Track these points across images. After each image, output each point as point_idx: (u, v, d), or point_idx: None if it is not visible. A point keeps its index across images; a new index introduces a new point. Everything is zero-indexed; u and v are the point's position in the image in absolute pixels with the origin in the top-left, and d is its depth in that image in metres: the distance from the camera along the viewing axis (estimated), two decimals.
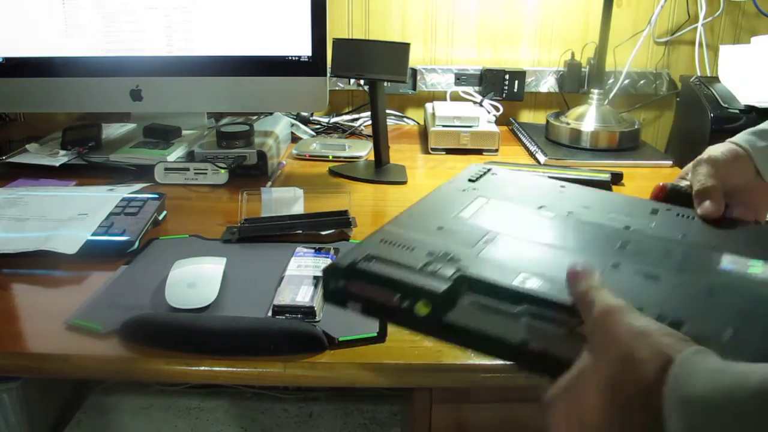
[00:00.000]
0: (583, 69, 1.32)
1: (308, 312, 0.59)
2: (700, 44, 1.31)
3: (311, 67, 1.04)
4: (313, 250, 0.71)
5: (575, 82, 1.33)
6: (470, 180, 0.58)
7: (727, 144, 0.58)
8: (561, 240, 0.47)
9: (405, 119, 1.39)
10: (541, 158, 1.10)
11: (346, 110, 1.40)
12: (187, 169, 0.97)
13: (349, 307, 0.42)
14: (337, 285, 0.42)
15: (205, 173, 0.97)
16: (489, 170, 0.60)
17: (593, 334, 0.35)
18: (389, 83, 1.24)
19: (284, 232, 0.77)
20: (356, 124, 1.32)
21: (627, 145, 1.16)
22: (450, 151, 1.16)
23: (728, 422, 0.26)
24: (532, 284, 0.40)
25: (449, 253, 0.43)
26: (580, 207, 0.53)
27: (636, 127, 1.18)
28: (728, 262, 0.44)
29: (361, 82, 1.24)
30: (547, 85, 1.37)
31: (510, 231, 0.48)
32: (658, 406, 0.30)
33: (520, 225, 0.49)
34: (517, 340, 0.38)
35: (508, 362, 0.39)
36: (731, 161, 0.56)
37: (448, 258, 0.43)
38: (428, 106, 1.29)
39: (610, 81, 1.32)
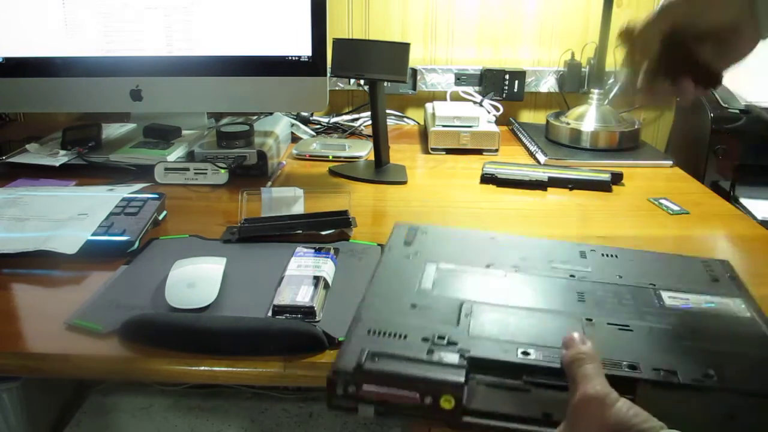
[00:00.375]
0: (583, 69, 1.32)
1: (308, 312, 0.59)
2: None
3: (311, 67, 1.04)
4: (313, 250, 0.71)
5: (575, 82, 1.33)
6: (406, 243, 0.60)
7: None
8: (527, 300, 0.50)
9: (405, 119, 1.39)
10: (541, 158, 1.10)
11: (346, 110, 1.40)
12: (187, 169, 0.97)
13: (360, 411, 0.40)
14: (347, 391, 0.40)
15: (205, 173, 0.97)
16: (417, 229, 0.63)
17: (578, 416, 0.37)
18: (389, 83, 1.24)
19: (284, 232, 0.77)
20: (356, 124, 1.32)
21: (627, 145, 1.16)
22: (450, 151, 1.16)
23: None
24: (532, 355, 0.42)
25: (443, 335, 0.44)
26: (519, 260, 0.57)
27: (636, 127, 1.18)
28: (670, 299, 0.51)
29: (361, 82, 1.24)
30: (547, 85, 1.37)
31: (477, 298, 0.50)
32: None
33: (483, 290, 0.52)
34: (540, 415, 0.39)
35: None
36: None
37: (444, 341, 0.43)
38: (428, 106, 1.29)
39: (610, 81, 1.32)
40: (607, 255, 0.59)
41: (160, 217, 0.82)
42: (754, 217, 0.98)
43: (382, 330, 0.44)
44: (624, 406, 0.36)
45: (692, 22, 0.47)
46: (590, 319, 0.47)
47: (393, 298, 0.49)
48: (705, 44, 0.48)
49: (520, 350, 0.42)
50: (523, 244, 0.61)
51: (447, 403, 0.38)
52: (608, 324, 0.46)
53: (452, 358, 0.41)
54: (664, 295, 0.51)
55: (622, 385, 0.39)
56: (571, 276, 0.54)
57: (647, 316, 0.48)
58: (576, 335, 0.41)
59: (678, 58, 0.49)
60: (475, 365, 0.40)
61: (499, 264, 0.56)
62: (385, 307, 0.48)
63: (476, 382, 0.40)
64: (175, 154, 1.03)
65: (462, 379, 0.39)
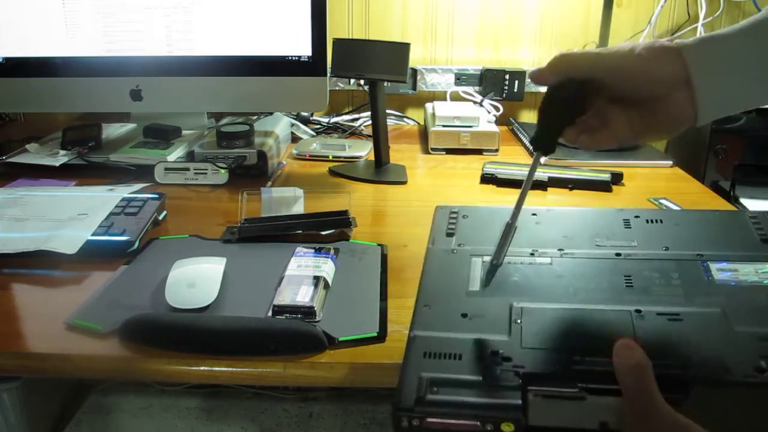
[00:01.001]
0: None
1: (308, 312, 0.59)
2: None
3: (311, 67, 1.04)
4: (313, 250, 0.71)
5: None
6: (448, 234, 0.58)
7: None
8: (575, 292, 0.49)
9: (405, 119, 1.39)
10: (541, 158, 1.10)
11: (346, 110, 1.40)
12: (187, 169, 0.97)
13: None
14: (411, 425, 0.40)
15: (205, 173, 0.97)
16: (458, 213, 0.61)
17: (635, 428, 0.37)
18: (389, 83, 1.24)
19: (284, 232, 0.77)
20: (356, 124, 1.32)
21: (627, 145, 1.16)
22: (450, 151, 1.16)
23: None
24: (585, 364, 0.41)
25: (495, 350, 0.43)
26: (563, 239, 0.55)
27: None
28: (719, 272, 0.49)
29: (361, 82, 1.24)
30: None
31: (526, 298, 0.49)
32: None
33: (530, 285, 0.51)
34: (597, 425, 0.39)
35: None
36: (658, 52, 0.44)
37: (498, 357, 0.43)
38: (428, 106, 1.29)
39: None
40: (652, 221, 0.56)
41: (160, 217, 0.82)
42: None
43: (437, 351, 0.44)
44: (676, 415, 0.36)
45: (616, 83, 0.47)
46: (639, 311, 0.46)
47: (443, 308, 0.48)
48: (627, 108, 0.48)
49: (573, 357, 0.42)
50: (564, 217, 0.59)
51: (507, 427, 0.39)
52: (658, 315, 0.45)
53: (508, 377, 0.41)
54: (713, 267, 0.49)
55: (673, 384, 0.39)
56: (617, 255, 0.53)
57: (696, 298, 0.47)
58: (627, 342, 0.40)
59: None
60: (531, 379, 0.41)
61: (543, 247, 0.55)
62: (437, 320, 0.47)
63: (532, 394, 0.40)
64: (175, 154, 1.03)
65: (519, 402, 0.39)
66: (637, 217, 0.57)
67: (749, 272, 0.48)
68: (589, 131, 0.51)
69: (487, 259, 0.53)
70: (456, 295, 0.50)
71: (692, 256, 0.51)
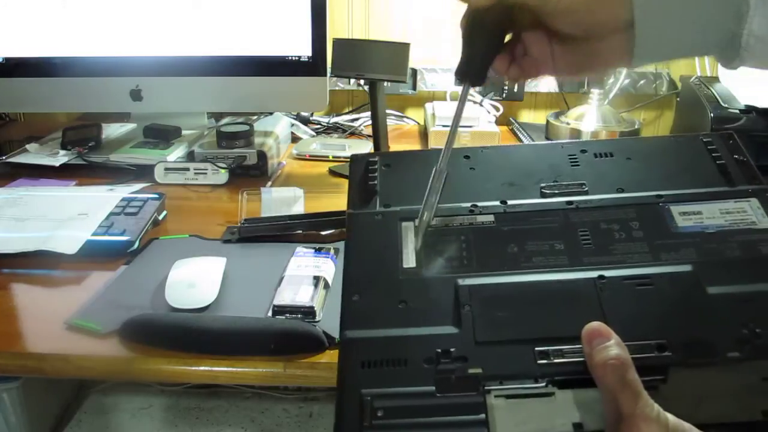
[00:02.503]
0: None
1: (308, 312, 0.59)
2: None
3: (311, 67, 1.04)
4: (313, 250, 0.71)
5: (575, 82, 1.33)
6: (367, 192, 0.49)
7: None
8: (527, 260, 0.43)
9: (405, 119, 1.39)
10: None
11: (346, 110, 1.40)
12: (187, 169, 0.97)
13: None
14: None
15: (205, 173, 0.97)
16: (376, 164, 0.52)
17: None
18: (389, 83, 1.24)
19: (284, 232, 0.77)
20: (356, 124, 1.32)
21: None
22: None
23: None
24: (551, 356, 0.37)
25: (446, 349, 0.37)
26: (505, 186, 0.48)
27: (636, 127, 1.18)
28: (683, 218, 0.44)
29: (361, 82, 1.24)
30: (547, 85, 1.37)
31: (472, 273, 0.42)
32: None
33: (474, 254, 0.43)
34: (569, 429, 0.35)
35: None
36: None
37: (451, 358, 0.37)
38: (428, 106, 1.29)
39: (610, 81, 1.32)
40: (601, 155, 0.50)
41: (160, 217, 0.82)
42: None
43: (376, 359, 0.37)
44: (670, 417, 0.34)
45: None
46: (603, 277, 0.41)
47: (376, 297, 0.41)
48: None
49: (537, 351, 0.37)
50: (502, 158, 0.51)
51: None
52: (624, 280, 0.40)
53: (467, 384, 0.36)
54: (675, 211, 0.45)
55: (651, 368, 0.36)
56: (569, 204, 0.46)
57: (662, 253, 0.42)
58: (599, 329, 0.36)
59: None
60: (492, 380, 0.36)
61: (482, 200, 0.47)
62: (371, 313, 0.40)
63: (495, 395, 0.36)
64: (175, 154, 1.03)
65: (483, 416, 0.35)
66: (583, 151, 0.50)
67: (714, 214, 0.44)
68: (518, 62, 0.47)
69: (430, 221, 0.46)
70: (389, 277, 0.42)
71: (651, 198, 0.46)
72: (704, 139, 0.50)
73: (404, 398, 0.36)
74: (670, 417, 0.34)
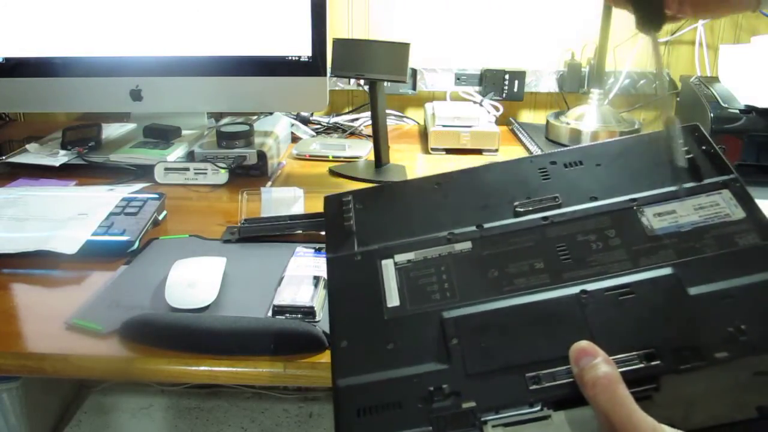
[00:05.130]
0: (583, 69, 1.32)
1: (308, 312, 0.59)
2: (700, 44, 1.31)
3: (311, 67, 1.04)
4: (313, 250, 0.71)
5: (575, 82, 1.33)
6: (346, 233, 0.49)
7: None
8: (508, 284, 0.43)
9: (405, 119, 1.39)
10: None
11: (346, 110, 1.40)
12: (187, 169, 0.97)
13: None
14: None
15: (205, 173, 0.97)
16: (348, 201, 0.51)
17: None
18: (389, 83, 1.24)
19: (284, 232, 0.77)
20: (356, 124, 1.32)
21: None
22: (450, 151, 1.16)
23: None
24: (543, 381, 0.37)
25: (438, 386, 0.37)
26: (479, 210, 0.48)
27: (636, 127, 1.18)
28: (657, 220, 0.44)
29: (361, 82, 1.24)
30: (547, 85, 1.37)
31: (456, 305, 0.42)
32: None
33: (457, 285, 0.43)
34: None
35: None
36: None
37: (442, 395, 0.37)
38: (428, 106, 1.29)
39: (610, 81, 1.32)
40: (571, 164, 0.50)
41: (160, 217, 0.82)
42: None
43: (371, 405, 0.37)
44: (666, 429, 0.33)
45: None
46: (585, 291, 0.41)
47: (364, 341, 0.41)
48: None
49: (528, 377, 0.37)
50: (474, 182, 0.51)
51: None
52: (606, 292, 0.40)
53: (463, 419, 0.36)
54: (649, 213, 0.45)
55: (642, 377, 0.36)
56: (544, 219, 0.46)
57: (641, 259, 0.42)
58: (585, 348, 0.36)
59: None
60: (487, 411, 0.36)
61: (459, 226, 0.47)
62: (360, 359, 0.40)
63: (492, 425, 0.36)
64: (175, 154, 1.03)
65: None
66: (553, 162, 0.50)
67: (688, 211, 0.44)
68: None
69: (399, 258, 0.46)
70: (374, 318, 0.42)
71: (625, 203, 0.46)
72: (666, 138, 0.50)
73: (394, 423, 0.36)
74: (667, 429, 0.34)
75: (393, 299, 0.43)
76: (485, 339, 0.40)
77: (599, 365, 0.35)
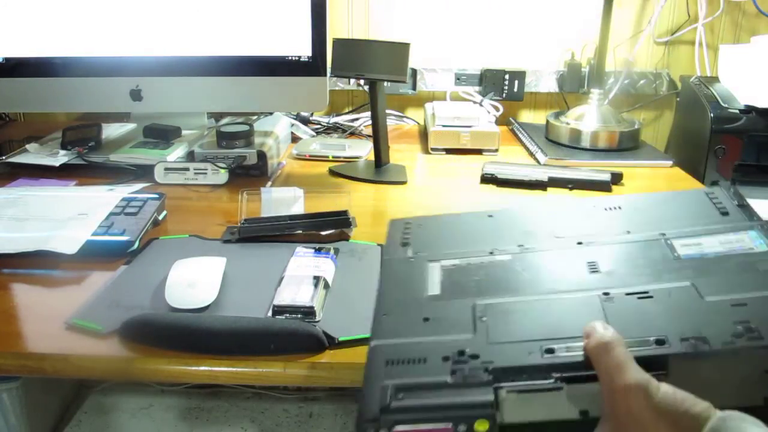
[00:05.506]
0: (583, 69, 1.32)
1: (308, 312, 0.59)
2: (700, 44, 1.31)
3: (311, 67, 1.04)
4: (313, 250, 0.71)
5: (575, 82, 1.33)
6: (403, 244, 0.56)
7: None
8: (539, 284, 0.47)
9: (405, 119, 1.39)
10: (541, 158, 1.10)
11: (346, 110, 1.40)
12: (187, 169, 0.97)
13: None
14: None
15: (205, 173, 0.97)
16: (412, 224, 0.59)
17: (614, 409, 0.35)
18: (389, 83, 1.24)
19: (284, 232, 0.77)
20: (356, 124, 1.32)
21: (627, 145, 1.16)
22: (450, 151, 1.16)
23: None
24: (556, 352, 0.40)
25: (462, 350, 0.41)
26: (522, 235, 0.54)
27: (636, 127, 1.18)
28: (683, 248, 0.48)
29: (361, 82, 1.24)
30: (547, 85, 1.37)
31: (488, 295, 0.47)
32: None
33: (491, 283, 0.48)
34: (577, 415, 0.38)
35: None
36: None
37: (465, 357, 0.41)
38: (428, 106, 1.29)
39: (610, 81, 1.32)
40: (611, 208, 0.55)
41: (160, 217, 0.82)
42: None
43: (399, 358, 0.42)
44: (670, 391, 0.35)
45: None
46: (607, 293, 0.44)
47: (403, 315, 0.46)
48: None
49: (543, 348, 0.40)
50: (521, 217, 0.57)
51: (481, 426, 0.37)
52: (627, 295, 0.44)
53: (477, 374, 0.39)
54: (677, 244, 0.48)
55: (652, 363, 0.37)
56: (579, 243, 0.51)
57: (664, 275, 0.45)
58: (596, 324, 0.39)
59: None
60: (502, 375, 0.39)
61: (502, 246, 0.52)
62: (398, 327, 0.45)
63: (506, 391, 0.38)
64: (175, 154, 1.03)
65: (491, 398, 0.38)
66: (594, 206, 0.56)
67: (713, 244, 0.47)
68: None
69: (445, 263, 0.51)
70: (416, 301, 0.48)
71: (655, 236, 0.50)
72: (706, 192, 0.55)
73: (422, 387, 0.39)
74: (664, 385, 0.35)
75: (434, 289, 0.49)
76: (511, 320, 0.44)
77: (606, 332, 0.38)
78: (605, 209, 0.55)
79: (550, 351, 0.40)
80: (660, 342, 0.39)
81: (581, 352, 0.39)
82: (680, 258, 0.47)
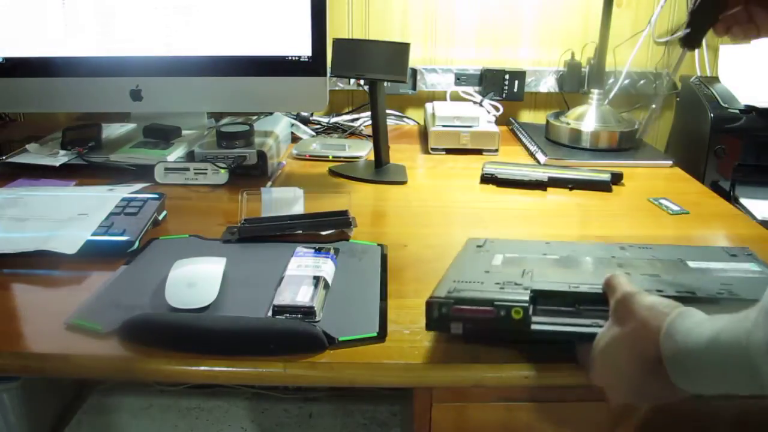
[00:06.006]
0: (583, 69, 1.32)
1: (308, 312, 0.59)
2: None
3: (311, 67, 1.04)
4: (313, 250, 0.71)
5: (575, 82, 1.33)
6: (478, 246, 0.69)
7: None
8: (576, 268, 0.61)
9: (405, 119, 1.39)
10: (541, 158, 1.10)
11: (346, 110, 1.40)
12: (187, 169, 0.97)
13: (452, 328, 0.51)
14: (441, 312, 0.51)
15: (205, 173, 0.97)
16: (486, 240, 0.72)
17: (617, 310, 0.48)
18: (389, 83, 1.24)
19: (284, 232, 0.77)
20: (356, 124, 1.32)
21: (627, 145, 1.16)
22: (450, 151, 1.16)
23: (693, 364, 0.40)
24: (581, 288, 0.53)
25: (511, 281, 0.55)
26: (571, 251, 0.67)
27: (636, 127, 1.18)
28: (694, 264, 0.62)
29: (361, 82, 1.24)
30: (547, 85, 1.37)
31: (538, 267, 0.60)
32: (659, 354, 0.42)
33: (541, 264, 0.62)
34: (589, 323, 0.50)
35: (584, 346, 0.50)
36: None
37: (514, 284, 0.54)
38: (428, 106, 1.29)
39: (610, 81, 1.32)
40: (643, 248, 0.69)
41: (160, 217, 0.82)
42: (754, 217, 0.98)
43: (464, 279, 0.56)
44: (650, 295, 0.47)
45: None
46: (628, 273, 0.57)
47: (470, 268, 0.60)
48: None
49: (570, 285, 0.53)
50: (570, 244, 0.71)
51: (517, 314, 0.50)
52: (641, 275, 0.57)
53: (520, 290, 0.52)
54: (689, 263, 0.62)
55: None
56: (612, 257, 0.65)
57: (675, 274, 0.58)
58: (615, 273, 0.52)
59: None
60: (537, 296, 0.52)
61: (552, 252, 0.67)
62: (465, 271, 0.59)
63: (539, 310, 0.51)
64: (175, 154, 1.03)
65: (527, 298, 0.51)
66: (631, 246, 0.70)
67: (718, 267, 0.61)
68: (737, 25, 0.61)
69: (509, 255, 0.64)
70: (482, 266, 0.61)
71: (674, 258, 0.64)
72: (723, 248, 0.68)
73: (478, 290, 0.53)
74: (648, 293, 0.47)
75: (497, 263, 0.62)
76: (550, 275, 0.58)
77: (620, 275, 0.51)
78: (638, 248, 0.68)
79: (576, 286, 0.53)
80: (659, 291, 0.51)
81: (600, 288, 0.51)
82: (690, 269, 0.60)
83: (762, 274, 0.58)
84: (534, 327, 0.50)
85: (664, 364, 0.42)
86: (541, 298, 0.52)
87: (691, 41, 0.69)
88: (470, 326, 0.51)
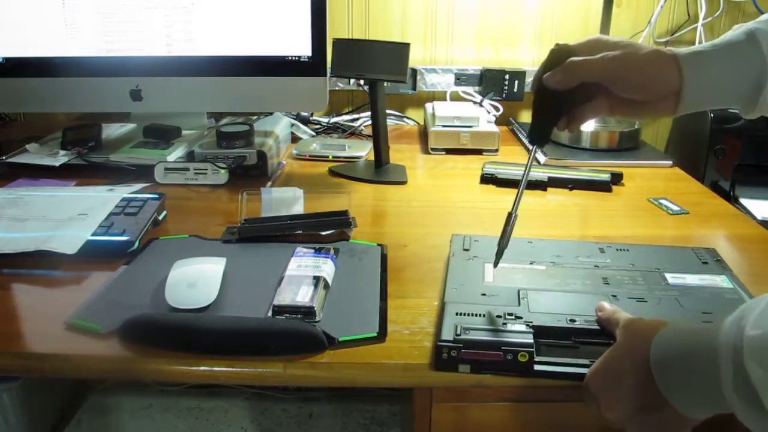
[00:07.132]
0: None
1: (308, 312, 0.59)
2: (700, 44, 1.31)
3: (311, 67, 1.04)
4: (313, 250, 0.71)
5: None
6: (464, 249, 0.72)
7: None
8: (565, 285, 0.64)
9: (405, 119, 1.39)
10: (541, 158, 1.10)
11: (346, 110, 1.40)
12: (187, 169, 0.97)
13: (460, 369, 0.54)
14: (450, 355, 0.53)
15: (205, 173, 0.97)
16: (471, 239, 0.75)
17: (621, 335, 0.51)
18: (389, 83, 1.24)
19: (284, 232, 0.77)
20: (356, 124, 1.32)
21: (627, 145, 1.16)
22: (450, 151, 1.16)
23: (672, 371, 0.45)
24: (577, 322, 0.56)
25: (511, 313, 0.57)
26: (554, 257, 0.70)
27: (636, 127, 1.18)
28: (672, 279, 0.65)
29: (361, 82, 1.24)
30: None
31: (529, 286, 0.63)
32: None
33: (531, 279, 0.65)
34: (587, 362, 0.52)
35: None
36: (660, 65, 0.55)
37: (513, 317, 0.57)
38: (428, 106, 1.29)
39: None
40: (621, 249, 0.73)
41: (160, 217, 0.82)
42: (753, 217, 0.98)
43: (465, 312, 0.58)
44: (642, 322, 0.51)
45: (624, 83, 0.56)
46: (615, 296, 0.61)
47: (467, 290, 0.63)
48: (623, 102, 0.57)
49: (567, 318, 0.57)
50: (553, 245, 0.74)
51: (523, 357, 0.53)
52: (628, 298, 0.61)
53: (521, 327, 0.55)
54: (668, 276, 0.66)
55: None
56: (596, 266, 0.68)
57: (656, 292, 0.63)
58: (605, 302, 0.58)
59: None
60: (537, 332, 0.55)
61: (539, 261, 0.69)
62: (463, 296, 0.61)
63: (539, 344, 0.54)
64: (175, 154, 1.03)
65: (532, 340, 0.54)
66: (609, 247, 0.73)
67: (694, 279, 0.65)
68: (575, 118, 0.60)
69: (500, 265, 0.63)
70: (476, 284, 0.64)
71: (652, 269, 0.68)
72: (693, 250, 0.72)
73: (483, 329, 0.55)
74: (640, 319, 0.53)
75: (489, 278, 0.65)
76: (546, 302, 0.60)
77: (611, 306, 0.57)
78: (617, 250, 0.72)
79: (572, 320, 0.56)
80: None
81: (595, 324, 0.56)
82: (669, 284, 0.64)
83: (734, 294, 0.63)
84: (537, 368, 0.53)
85: (652, 372, 0.46)
86: (542, 334, 0.55)
87: (539, 139, 0.61)
88: (478, 366, 0.54)
